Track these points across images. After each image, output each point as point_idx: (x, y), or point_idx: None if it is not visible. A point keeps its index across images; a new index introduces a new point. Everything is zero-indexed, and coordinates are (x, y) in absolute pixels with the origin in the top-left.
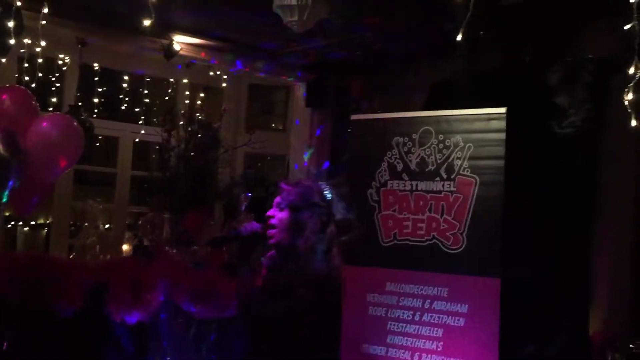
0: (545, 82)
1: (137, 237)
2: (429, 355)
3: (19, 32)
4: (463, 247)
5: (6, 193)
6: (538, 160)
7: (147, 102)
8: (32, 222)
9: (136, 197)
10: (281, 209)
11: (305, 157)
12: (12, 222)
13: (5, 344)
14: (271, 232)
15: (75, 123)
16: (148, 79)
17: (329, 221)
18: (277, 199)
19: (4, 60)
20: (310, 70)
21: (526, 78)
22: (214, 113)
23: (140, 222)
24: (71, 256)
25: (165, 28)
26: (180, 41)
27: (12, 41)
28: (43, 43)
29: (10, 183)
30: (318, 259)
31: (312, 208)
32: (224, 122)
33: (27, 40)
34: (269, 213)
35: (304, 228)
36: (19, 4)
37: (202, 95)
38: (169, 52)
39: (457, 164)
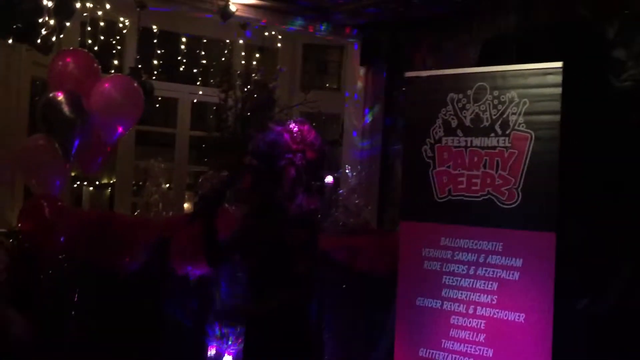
0: (602, 35)
1: (197, 194)
2: (484, 308)
3: None
4: (518, 202)
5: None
6: (596, 115)
7: (204, 63)
8: (97, 182)
9: (195, 157)
10: (255, 158)
11: (368, 115)
12: (78, 182)
13: (76, 296)
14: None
15: (135, 84)
16: (205, 41)
17: (303, 164)
18: (251, 147)
19: (68, 24)
20: (364, 29)
21: (583, 32)
22: (269, 73)
23: (200, 181)
24: (135, 213)
25: None
26: (237, 2)
27: (77, 4)
28: (108, 6)
29: (76, 142)
30: (297, 203)
31: (285, 154)
32: (279, 82)
33: (89, 4)
34: (246, 162)
35: (279, 178)
36: None
37: (257, 55)
38: (226, 13)
39: (512, 120)
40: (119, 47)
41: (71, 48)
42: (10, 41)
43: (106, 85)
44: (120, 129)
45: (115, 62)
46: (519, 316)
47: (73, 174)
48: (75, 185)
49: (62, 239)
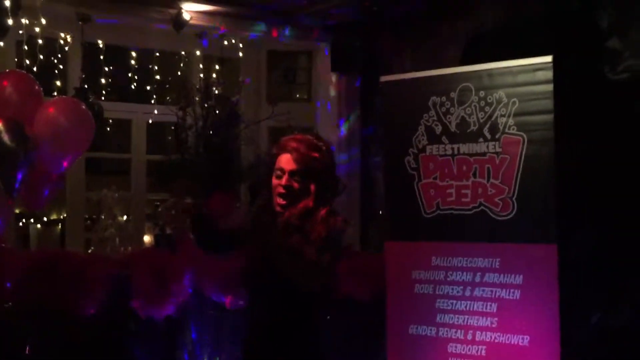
0: (595, 25)
1: (158, 226)
2: (484, 333)
3: (16, 11)
4: (514, 212)
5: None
6: (592, 111)
7: (158, 79)
8: (45, 219)
9: (154, 184)
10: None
11: (343, 127)
12: (24, 220)
13: (27, 347)
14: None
15: (83, 106)
16: (158, 54)
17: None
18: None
19: (1, 43)
20: (333, 31)
21: (574, 22)
22: (231, 86)
23: (160, 210)
24: (89, 250)
25: None
26: (190, 9)
27: (9, 21)
28: (43, 21)
29: (20, 175)
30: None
31: None
32: (243, 95)
33: (24, 21)
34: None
35: None
36: None
37: (217, 67)
38: (179, 22)
39: (502, 122)
40: (61, 67)
41: (7, 70)
42: None
43: (50, 109)
44: (68, 158)
45: (58, 83)
46: (523, 339)
47: (17, 210)
48: (20, 224)
49: (7, 285)
